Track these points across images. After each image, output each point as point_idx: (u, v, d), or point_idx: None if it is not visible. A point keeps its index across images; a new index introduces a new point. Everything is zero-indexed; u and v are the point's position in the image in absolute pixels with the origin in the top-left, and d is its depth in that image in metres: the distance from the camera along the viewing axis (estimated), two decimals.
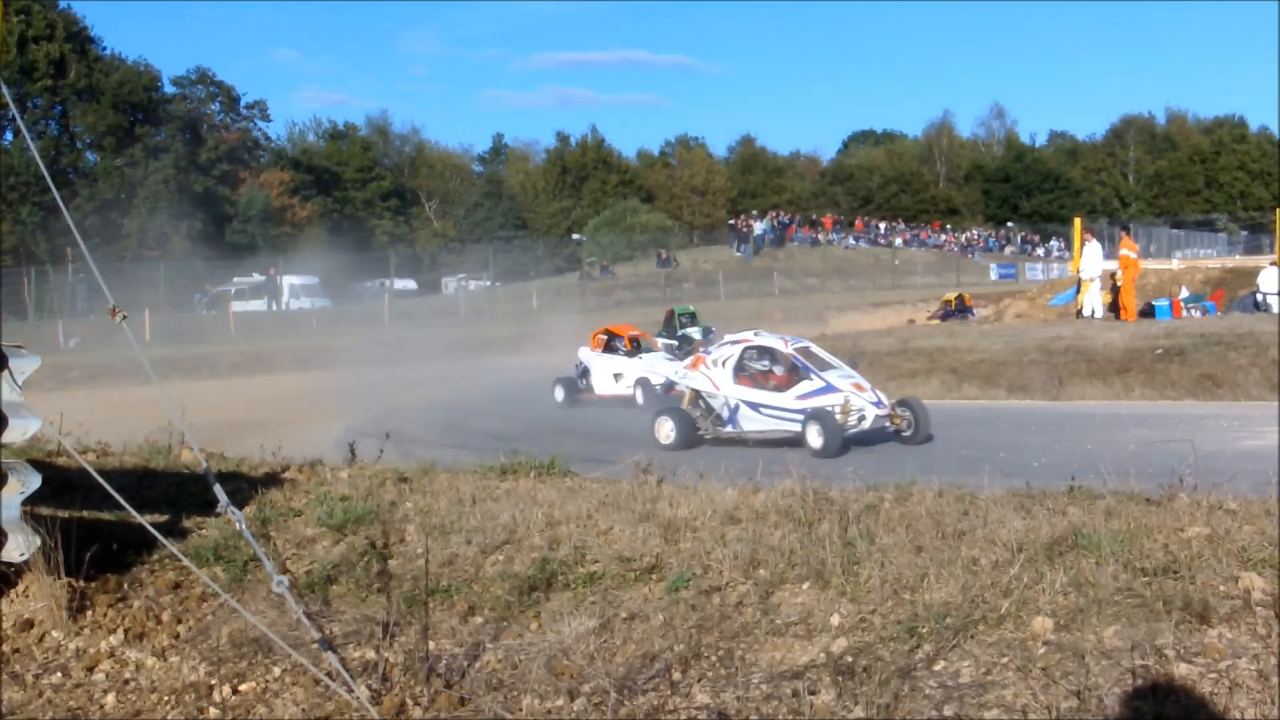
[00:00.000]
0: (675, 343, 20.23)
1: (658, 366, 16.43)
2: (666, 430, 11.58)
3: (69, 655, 3.95)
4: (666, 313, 24.51)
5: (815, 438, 10.47)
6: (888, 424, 10.90)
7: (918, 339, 18.64)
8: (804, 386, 11.13)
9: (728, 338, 12.58)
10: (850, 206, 70.53)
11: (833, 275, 49.15)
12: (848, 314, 34.42)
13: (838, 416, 10.52)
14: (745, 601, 4.16)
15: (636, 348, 17.28)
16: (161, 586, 4.51)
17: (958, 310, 29.43)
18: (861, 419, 10.79)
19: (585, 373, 17.40)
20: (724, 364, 11.76)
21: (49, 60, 51.29)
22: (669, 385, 15.66)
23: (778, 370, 11.79)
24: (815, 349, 11.95)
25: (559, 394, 17.29)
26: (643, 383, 16.21)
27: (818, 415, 10.58)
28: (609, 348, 17.52)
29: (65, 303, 38.47)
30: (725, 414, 11.59)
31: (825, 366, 11.45)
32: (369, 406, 17.30)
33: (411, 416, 16.08)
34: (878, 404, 10.86)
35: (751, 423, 11.37)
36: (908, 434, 10.86)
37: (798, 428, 10.79)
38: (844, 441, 10.49)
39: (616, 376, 16.92)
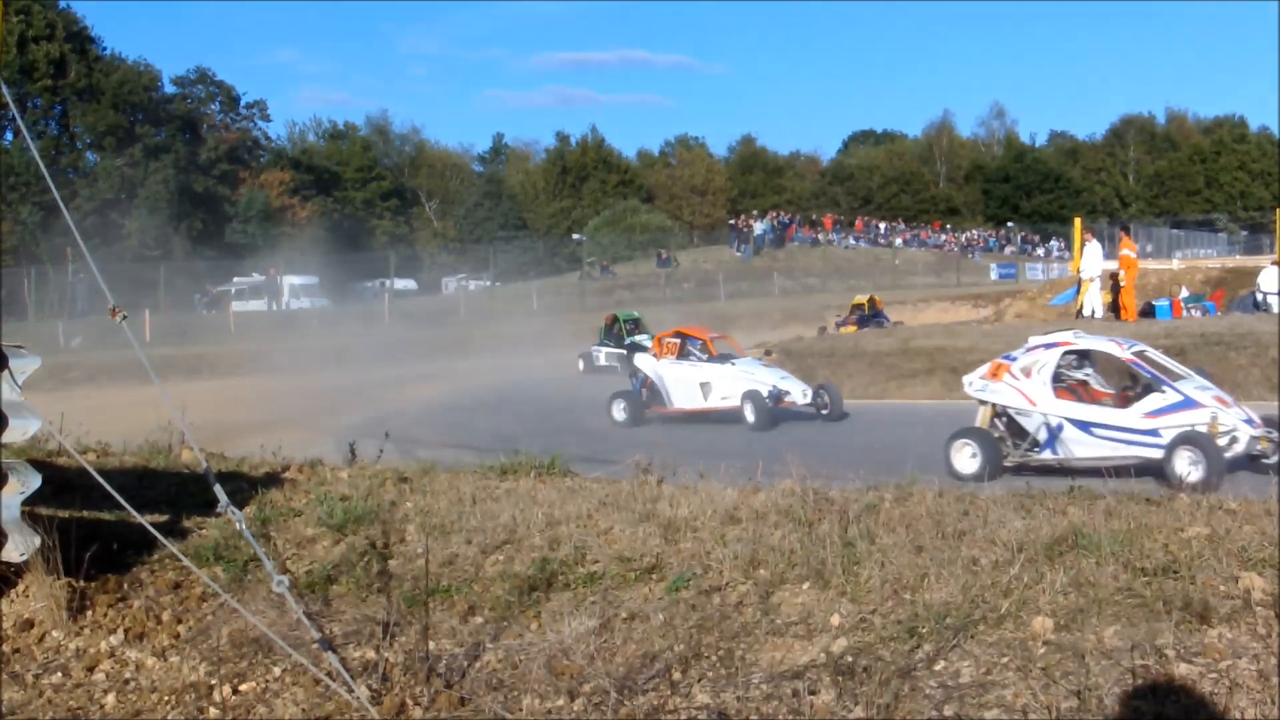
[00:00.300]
0: (623, 351, 18.32)
1: (760, 374, 14.38)
2: (967, 456, 9.54)
3: (69, 655, 3.95)
4: (607, 318, 22.59)
5: (1191, 468, 8.37)
6: (1257, 448, 8.87)
7: (918, 339, 18.63)
8: (1153, 401, 9.10)
9: (1035, 340, 10.28)
10: (850, 206, 70.52)
11: (833, 275, 49.09)
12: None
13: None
14: (745, 601, 4.16)
15: (720, 353, 14.68)
16: (162, 586, 4.51)
17: (871, 315, 27.33)
18: (1233, 441, 8.72)
19: (646, 384, 14.95)
20: (1038, 372, 9.69)
21: (49, 60, 51.27)
22: (778, 396, 13.90)
23: (1104, 381, 9.99)
24: (1154, 353, 9.97)
25: (619, 412, 14.89)
26: (752, 395, 13.84)
27: (1192, 439, 8.51)
28: (684, 353, 15.16)
29: (65, 303, 38.47)
30: (1043, 436, 9.54)
31: (1174, 376, 9.52)
32: (369, 406, 17.30)
33: (411, 416, 16.08)
34: (1249, 422, 8.88)
35: (1082, 446, 9.30)
36: (1272, 460, 8.75)
37: (1152, 453, 8.78)
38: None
39: (704, 387, 14.43)
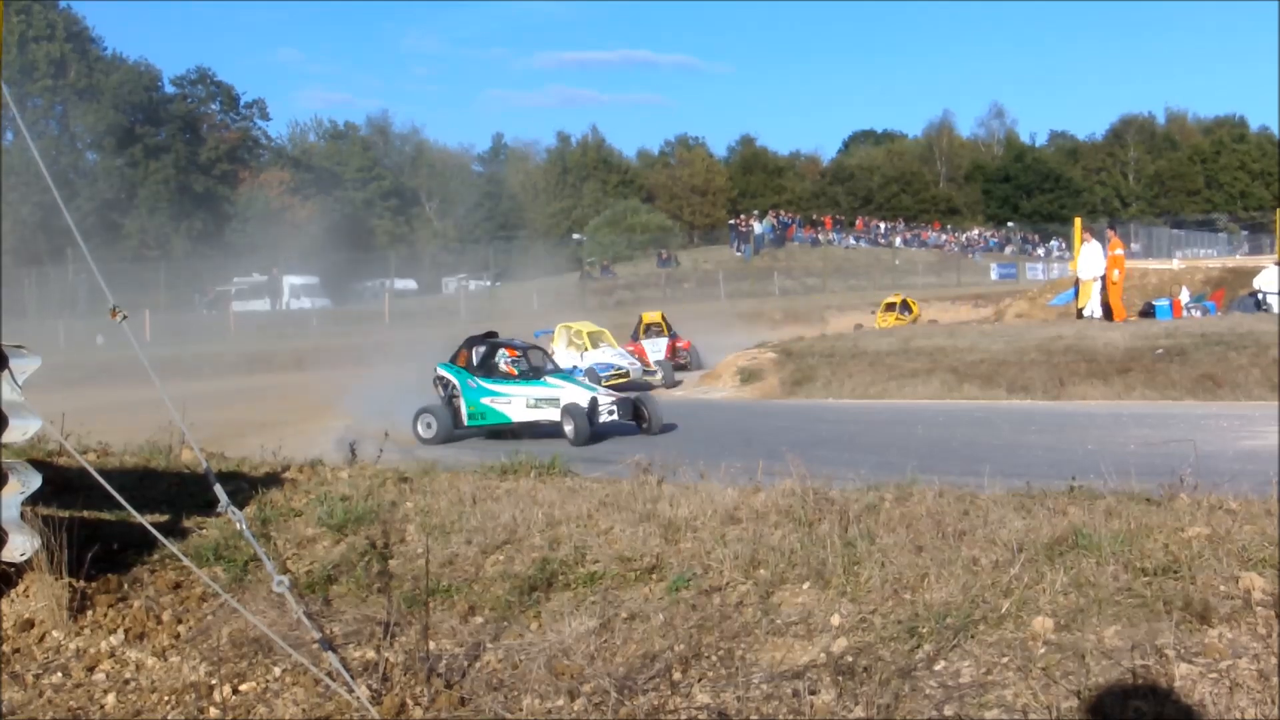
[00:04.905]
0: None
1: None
2: None
3: (69, 655, 3.95)
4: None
5: None
6: None
7: (918, 339, 18.64)
8: None
9: None
10: (850, 206, 70.58)
11: (833, 275, 49.15)
12: (848, 314, 34.43)
13: None
14: (745, 601, 4.16)
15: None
16: (162, 586, 4.51)
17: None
18: None
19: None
20: None
21: (49, 60, 51.32)
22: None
23: None
24: None
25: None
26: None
27: None
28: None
29: (66, 303, 38.51)
30: None
31: None
32: (370, 406, 17.28)
33: (412, 416, 16.04)
34: None
35: None
36: None
37: None
38: None
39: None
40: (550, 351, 19.80)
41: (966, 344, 17.21)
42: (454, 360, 14.22)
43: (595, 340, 21.49)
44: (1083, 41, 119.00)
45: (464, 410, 13.67)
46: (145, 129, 54.90)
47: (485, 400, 13.60)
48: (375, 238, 62.48)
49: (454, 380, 13.88)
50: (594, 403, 12.73)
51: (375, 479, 6.45)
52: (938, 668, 3.46)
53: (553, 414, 12.99)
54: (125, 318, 4.10)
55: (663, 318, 25.45)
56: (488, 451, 8.67)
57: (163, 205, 52.16)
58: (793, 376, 17.53)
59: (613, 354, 20.97)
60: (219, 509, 3.74)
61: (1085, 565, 4.07)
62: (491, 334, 14.94)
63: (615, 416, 12.76)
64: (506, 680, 3.70)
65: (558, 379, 13.62)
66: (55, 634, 4.05)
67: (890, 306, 30.36)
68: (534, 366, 14.08)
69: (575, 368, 18.43)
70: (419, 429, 13.62)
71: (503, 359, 14.22)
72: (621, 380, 19.42)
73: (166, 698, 3.66)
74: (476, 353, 14.28)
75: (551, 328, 22.17)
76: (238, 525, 3.64)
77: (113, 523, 5.08)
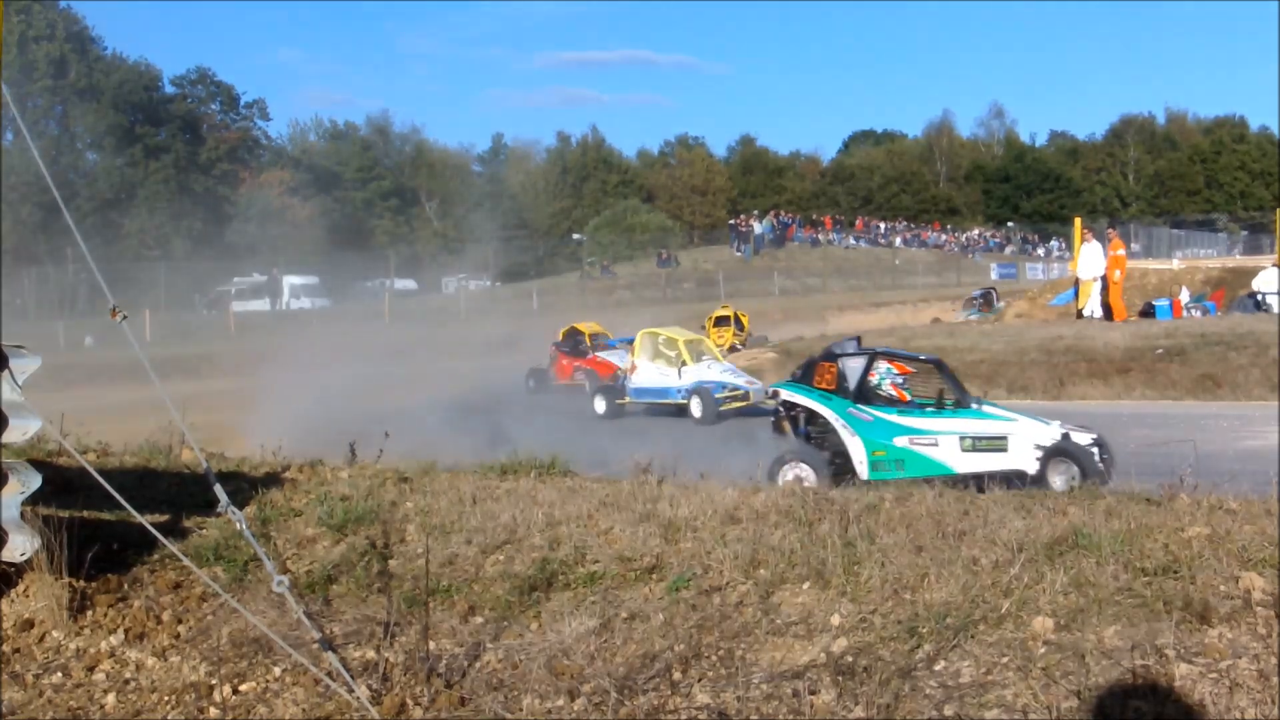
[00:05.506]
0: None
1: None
2: None
3: (69, 655, 3.95)
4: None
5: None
6: None
7: (918, 339, 18.64)
8: None
9: None
10: (850, 206, 70.66)
11: (833, 275, 49.17)
12: (848, 314, 34.44)
13: None
14: (746, 601, 4.16)
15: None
16: (162, 586, 4.51)
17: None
18: None
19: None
20: None
21: (49, 60, 51.30)
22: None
23: None
24: None
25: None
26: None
27: None
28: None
29: (66, 303, 38.53)
30: None
31: None
32: (369, 406, 17.28)
33: (412, 416, 16.06)
34: None
35: None
36: None
37: None
38: None
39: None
40: (633, 366, 16.95)
41: (966, 344, 17.21)
42: (804, 379, 9.68)
43: (696, 352, 16.52)
44: (1083, 41, 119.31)
45: (860, 455, 8.98)
46: (145, 129, 54.90)
47: (901, 441, 8.97)
48: (375, 238, 62.48)
49: (820, 410, 9.31)
50: (1068, 441, 8.80)
51: (375, 479, 6.45)
52: (938, 668, 3.46)
53: (1003, 459, 8.76)
54: (125, 318, 4.09)
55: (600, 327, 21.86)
56: (488, 451, 8.68)
57: (163, 205, 52.18)
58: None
59: (722, 370, 16.07)
60: (219, 509, 3.74)
61: (1085, 565, 4.07)
62: (856, 339, 10.34)
63: (1099, 462, 8.72)
64: (506, 680, 3.70)
65: (995, 408, 9.36)
66: (55, 634, 4.05)
67: (721, 320, 25.75)
68: (963, 391, 9.51)
69: (677, 388, 15.85)
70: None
71: (888, 377, 9.62)
72: (740, 404, 15.32)
73: (166, 698, 3.66)
74: (848, 368, 9.42)
75: (631, 335, 18.28)
76: (238, 525, 3.63)
77: (113, 523, 5.08)
